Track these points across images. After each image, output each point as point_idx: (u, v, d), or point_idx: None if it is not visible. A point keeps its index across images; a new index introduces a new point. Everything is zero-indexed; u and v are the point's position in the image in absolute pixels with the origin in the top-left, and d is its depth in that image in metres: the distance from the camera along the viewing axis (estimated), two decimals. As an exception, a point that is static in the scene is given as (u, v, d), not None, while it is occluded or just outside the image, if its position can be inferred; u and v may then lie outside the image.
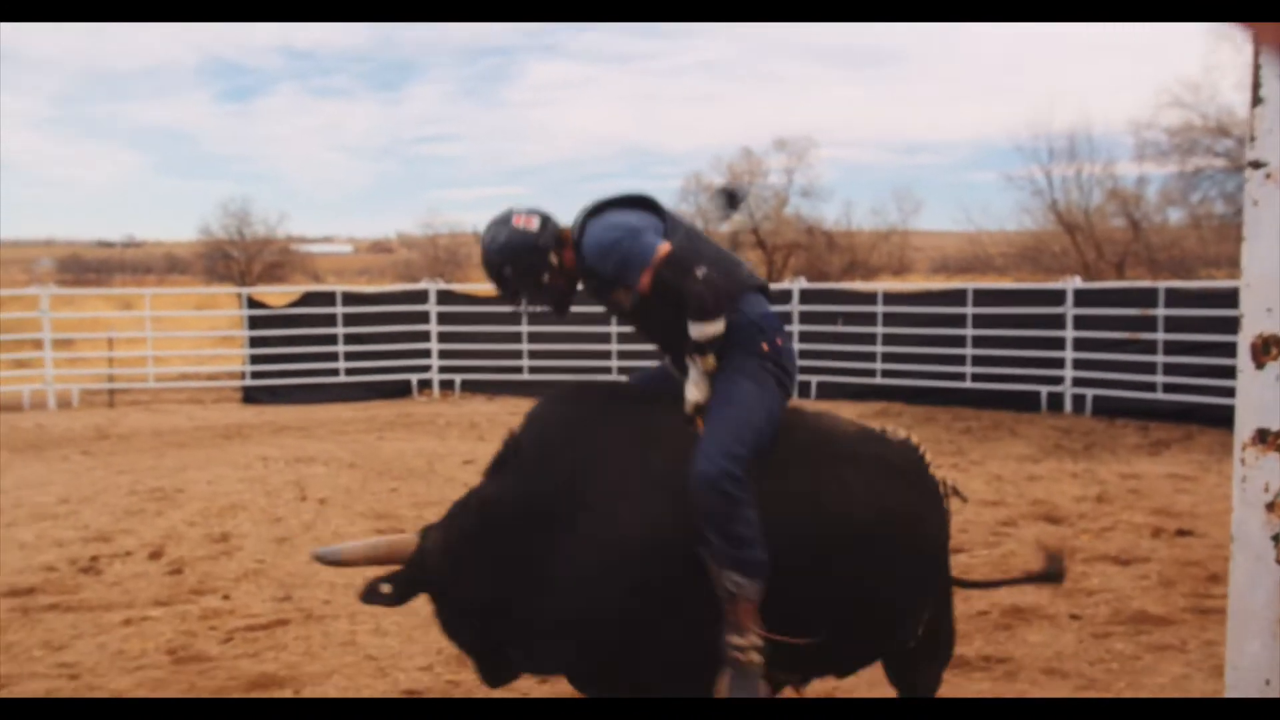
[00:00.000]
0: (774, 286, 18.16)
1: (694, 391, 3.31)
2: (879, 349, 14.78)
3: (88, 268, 67.33)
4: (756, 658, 3.09)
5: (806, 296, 15.38)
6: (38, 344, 15.16)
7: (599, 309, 3.59)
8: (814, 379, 15.02)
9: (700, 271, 3.22)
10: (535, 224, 3.40)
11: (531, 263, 3.38)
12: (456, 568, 3.24)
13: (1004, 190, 53.22)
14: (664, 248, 3.27)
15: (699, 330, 3.26)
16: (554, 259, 3.41)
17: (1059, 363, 13.49)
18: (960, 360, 14.18)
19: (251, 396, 15.28)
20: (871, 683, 4.29)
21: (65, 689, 4.69)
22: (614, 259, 3.30)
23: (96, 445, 11.46)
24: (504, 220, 3.43)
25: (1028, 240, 28.19)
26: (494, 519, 3.25)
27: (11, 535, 7.46)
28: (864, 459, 3.45)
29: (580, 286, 3.54)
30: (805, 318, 15.25)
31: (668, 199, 4.28)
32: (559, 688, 4.17)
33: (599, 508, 3.16)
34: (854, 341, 14.94)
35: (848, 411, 13.41)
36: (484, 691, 4.02)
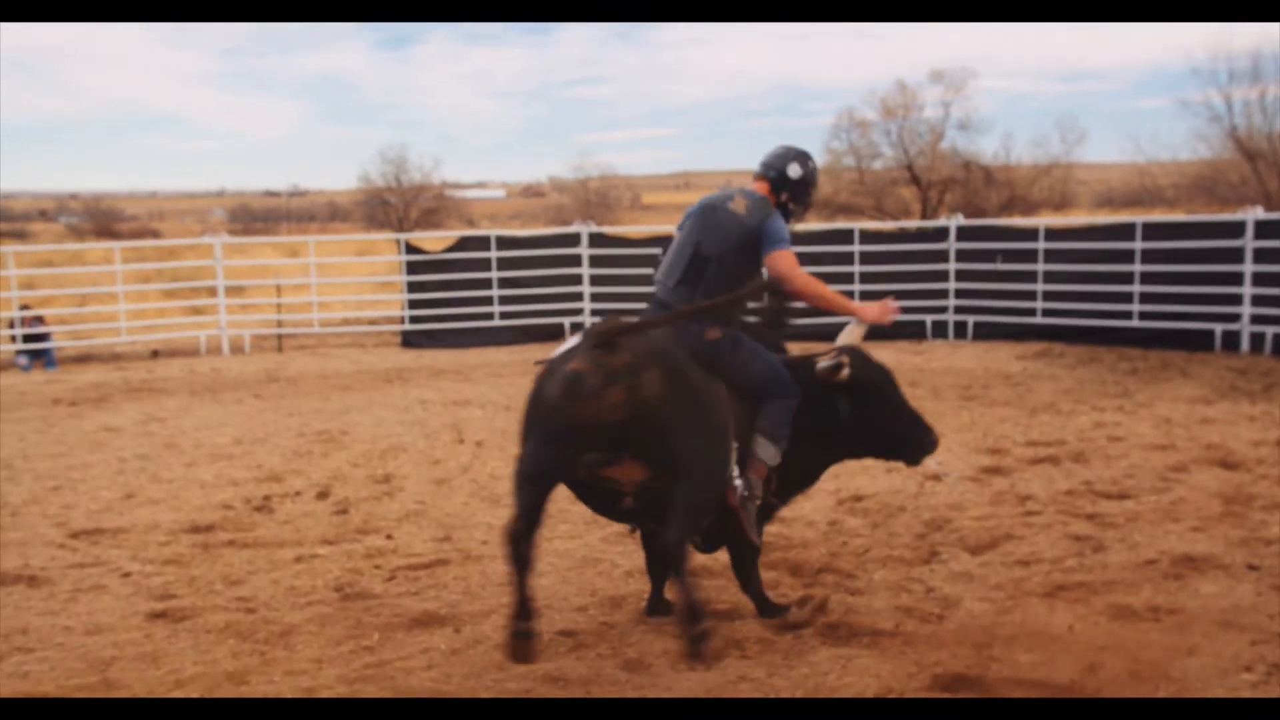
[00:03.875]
0: (929, 223, 17.72)
1: None
2: (1040, 287, 14.26)
3: (255, 217, 70.23)
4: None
5: (964, 234, 14.92)
6: (212, 291, 15.90)
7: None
8: (970, 319, 14.62)
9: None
10: None
11: None
12: None
13: (1176, 117, 50.33)
14: None
15: None
16: None
17: (1236, 299, 12.79)
18: (1127, 298, 13.57)
19: (410, 341, 15.72)
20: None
21: (244, 621, 4.94)
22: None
23: (267, 389, 11.99)
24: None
25: (1202, 170, 26.59)
26: None
27: (193, 474, 7.88)
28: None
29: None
30: (962, 255, 14.81)
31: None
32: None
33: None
34: (1013, 280, 14.44)
35: (1005, 352, 13.20)
36: (485, 692, 4.13)
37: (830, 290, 4.63)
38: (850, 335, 4.99)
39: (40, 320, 14.63)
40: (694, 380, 4.05)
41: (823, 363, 4.70)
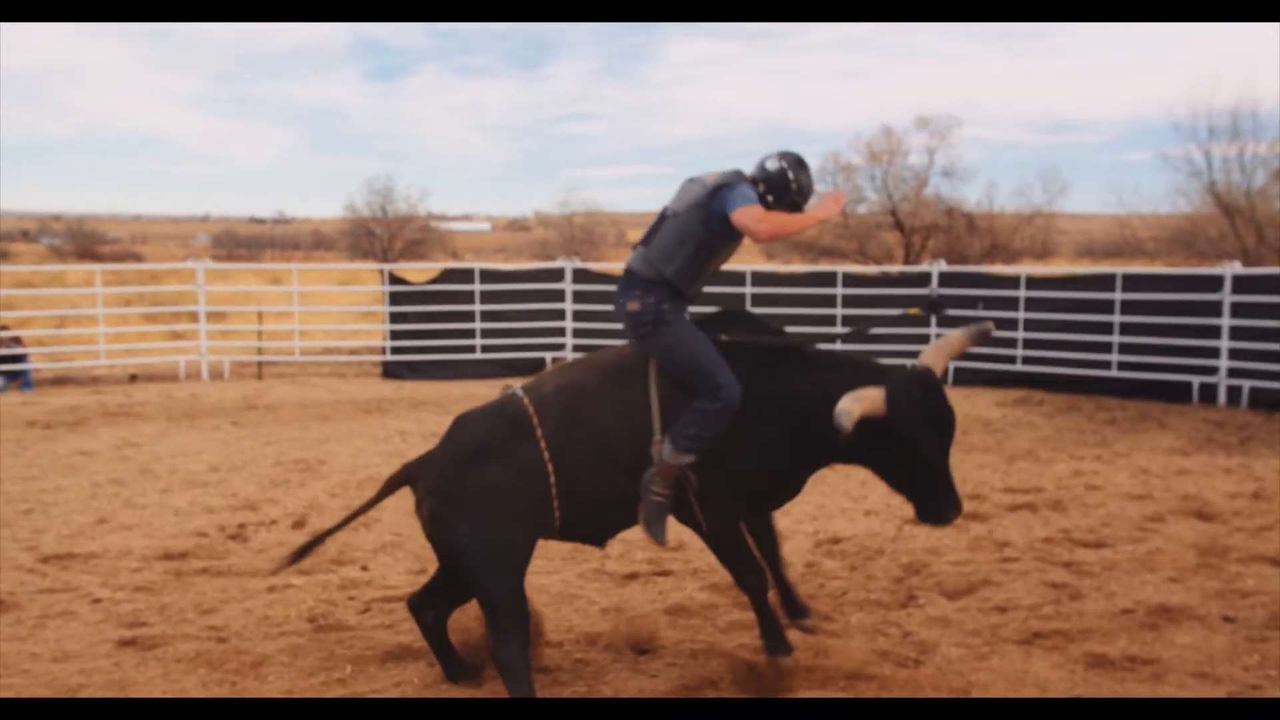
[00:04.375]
0: (912, 269, 17.83)
1: None
2: (1020, 334, 14.34)
3: (240, 243, 70.11)
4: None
5: (946, 280, 15.00)
6: (193, 316, 15.83)
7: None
8: (951, 365, 14.65)
9: None
10: None
11: None
12: None
13: (1157, 171, 50.52)
14: None
15: None
16: None
17: (1214, 352, 12.87)
18: (1107, 348, 13.65)
19: (391, 371, 15.67)
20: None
21: (215, 651, 4.89)
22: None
23: (245, 416, 11.92)
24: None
25: (1181, 224, 26.88)
26: None
27: (167, 501, 7.81)
28: None
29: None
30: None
31: None
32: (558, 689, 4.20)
33: None
34: (994, 327, 14.51)
35: (985, 399, 13.25)
36: (488, 691, 4.21)
37: (792, 217, 4.41)
38: (940, 351, 4.64)
39: (18, 341, 14.51)
40: (458, 501, 4.35)
41: (861, 392, 4.15)
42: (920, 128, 31.72)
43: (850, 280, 15.60)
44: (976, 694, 4.40)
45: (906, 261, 29.25)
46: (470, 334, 15.69)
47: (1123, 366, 13.53)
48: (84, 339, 16.18)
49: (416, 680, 4.60)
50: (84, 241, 52.45)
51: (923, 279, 15.21)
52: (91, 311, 15.69)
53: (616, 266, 18.59)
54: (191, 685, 4.48)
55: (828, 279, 15.63)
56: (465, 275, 16.06)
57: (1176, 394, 13.01)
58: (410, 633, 5.16)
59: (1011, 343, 14.39)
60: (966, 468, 9.11)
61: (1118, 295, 13.60)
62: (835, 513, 7.61)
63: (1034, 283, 14.74)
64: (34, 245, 61.76)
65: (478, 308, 15.69)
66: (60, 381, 14.80)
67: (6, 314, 15.42)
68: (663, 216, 4.60)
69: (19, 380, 14.15)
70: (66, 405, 12.50)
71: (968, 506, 7.65)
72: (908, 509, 7.57)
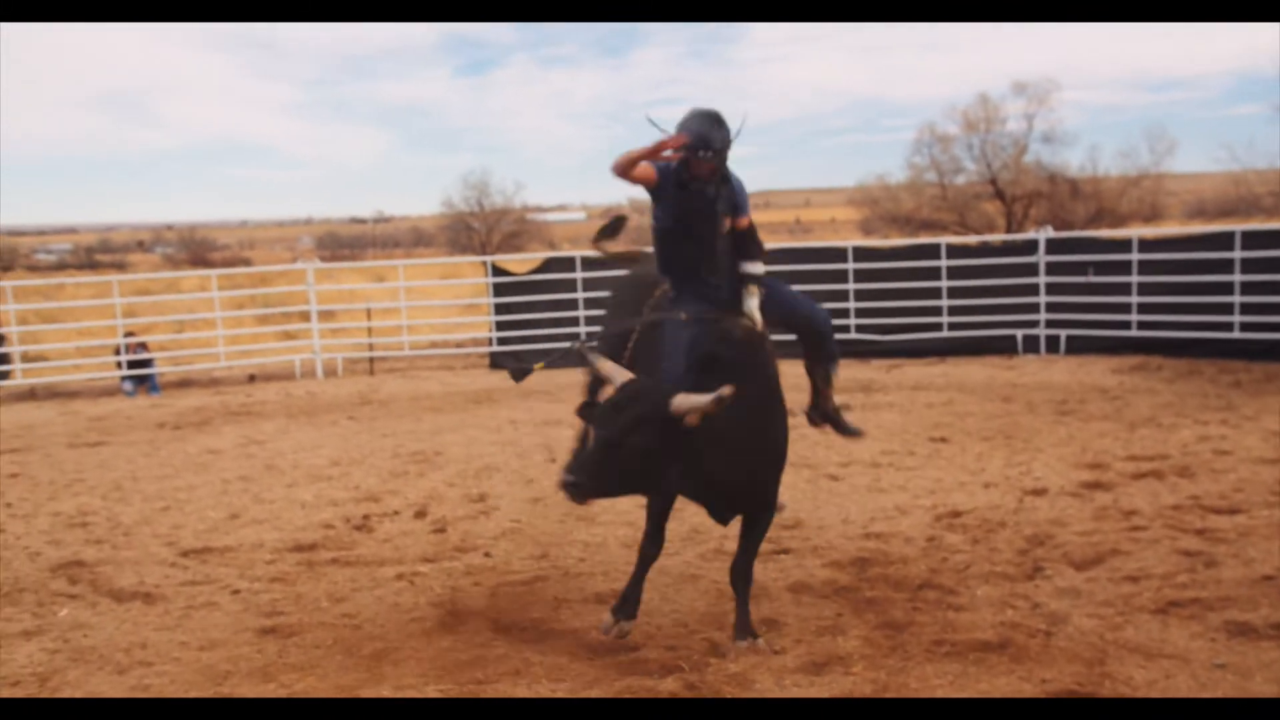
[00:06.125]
0: (1017, 237, 17.49)
1: (754, 309, 4.69)
2: (1134, 299, 13.92)
3: (342, 244, 71.71)
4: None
5: (1053, 246, 14.64)
6: (304, 316, 16.25)
7: None
8: (1063, 333, 14.34)
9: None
10: None
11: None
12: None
13: (1270, 124, 48.54)
14: None
15: (757, 269, 4.74)
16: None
17: (1343, 308, 12.36)
18: (1228, 309, 13.18)
19: (497, 362, 15.88)
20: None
21: (350, 637, 5.04)
22: (744, 197, 4.72)
23: (360, 410, 12.21)
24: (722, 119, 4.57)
25: (1301, 176, 25.86)
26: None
27: (293, 495, 8.05)
28: None
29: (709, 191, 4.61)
30: (1052, 269, 14.53)
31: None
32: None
33: None
34: (1106, 292, 14.14)
35: (1100, 366, 12.94)
36: (489, 691, 4.21)
37: (631, 151, 4.46)
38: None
39: (144, 347, 15.07)
40: None
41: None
42: (1017, 93, 31.05)
43: (954, 251, 15.33)
44: (1112, 664, 4.31)
45: (1009, 230, 28.63)
46: (574, 322, 15.81)
47: (1245, 328, 13.04)
48: (203, 342, 16.73)
49: (539, 661, 4.66)
50: (196, 249, 54.31)
51: (1027, 247, 14.87)
52: (209, 315, 16.22)
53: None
54: (331, 670, 4.62)
55: (931, 251, 15.38)
56: (567, 264, 16.18)
57: (1307, 353, 12.52)
58: (532, 614, 5.26)
59: (1125, 308, 13.98)
60: (1086, 436, 8.92)
61: (1237, 254, 13.12)
62: (953, 486, 7.52)
63: (1147, 245, 14.29)
64: (149, 255, 64.09)
65: (580, 295, 15.80)
66: (183, 384, 15.33)
67: (131, 321, 15.99)
68: None
69: (147, 384, 14.69)
70: (191, 406, 12.95)
71: (1089, 475, 7.54)
72: (1027, 480, 7.49)
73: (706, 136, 4.47)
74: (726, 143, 4.53)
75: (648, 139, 4.42)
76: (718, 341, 4.56)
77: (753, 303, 4.68)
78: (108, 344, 15.75)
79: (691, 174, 4.55)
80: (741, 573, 4.85)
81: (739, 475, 4.58)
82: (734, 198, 4.66)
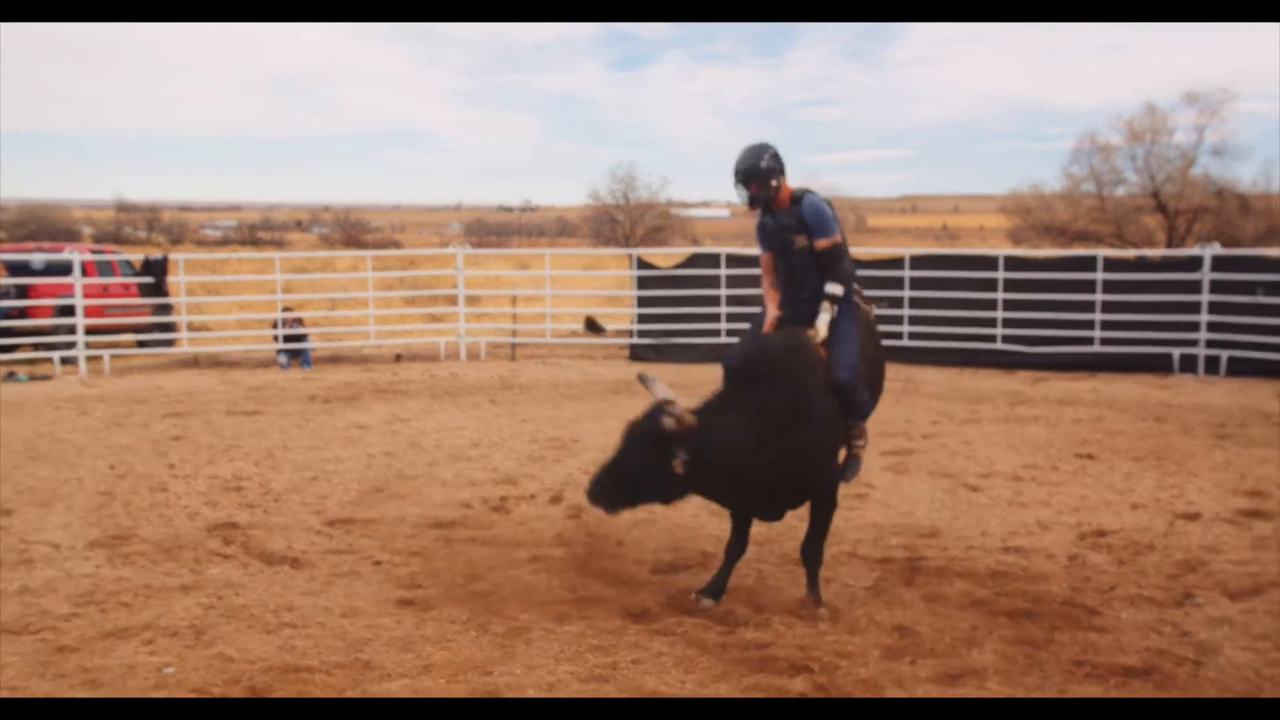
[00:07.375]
0: (1180, 252, 16.80)
1: (824, 324, 5.24)
2: (1305, 321, 13.23)
3: (489, 230, 73.12)
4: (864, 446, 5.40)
5: (1219, 264, 14.01)
6: (450, 300, 16.67)
7: None
8: (1224, 353, 13.71)
9: (848, 259, 5.39)
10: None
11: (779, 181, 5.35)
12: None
13: None
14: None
15: (835, 290, 5.28)
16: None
17: None
18: None
19: (637, 354, 16.01)
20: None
21: (483, 615, 5.15)
22: (825, 217, 5.28)
23: (501, 394, 12.46)
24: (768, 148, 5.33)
25: None
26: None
27: (435, 473, 8.27)
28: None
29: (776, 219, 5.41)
30: (1216, 286, 13.90)
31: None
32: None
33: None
34: (1275, 314, 13.46)
35: (1264, 390, 12.36)
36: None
37: None
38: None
39: (299, 322, 15.69)
40: None
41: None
42: (1188, 104, 29.77)
43: (1111, 265, 14.80)
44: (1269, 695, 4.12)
45: (1170, 245, 27.50)
46: (716, 318, 15.82)
47: None
48: (354, 320, 17.31)
49: (668, 652, 4.69)
50: (350, 230, 56.04)
51: (1190, 263, 14.27)
52: (361, 295, 16.77)
53: (862, 250, 18.34)
54: (465, 645, 4.73)
55: (1087, 263, 14.90)
56: (712, 260, 16.21)
57: None
58: (657, 601, 5.29)
59: (1293, 330, 13.30)
60: (1246, 462, 8.52)
61: None
62: (1099, 505, 7.28)
63: (1321, 265, 13.57)
64: (306, 235, 66.46)
65: (724, 292, 15.80)
66: (334, 359, 15.89)
67: (288, 297, 16.64)
68: None
69: (300, 358, 15.28)
70: (341, 381, 13.42)
71: (1248, 504, 7.19)
72: (1179, 504, 7.20)
73: (748, 170, 5.26)
74: (771, 171, 5.25)
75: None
76: (746, 353, 5.27)
77: (823, 319, 5.25)
78: (266, 318, 16.45)
79: (767, 204, 5.37)
80: (809, 553, 5.38)
81: (769, 476, 5.00)
82: (803, 218, 5.28)
